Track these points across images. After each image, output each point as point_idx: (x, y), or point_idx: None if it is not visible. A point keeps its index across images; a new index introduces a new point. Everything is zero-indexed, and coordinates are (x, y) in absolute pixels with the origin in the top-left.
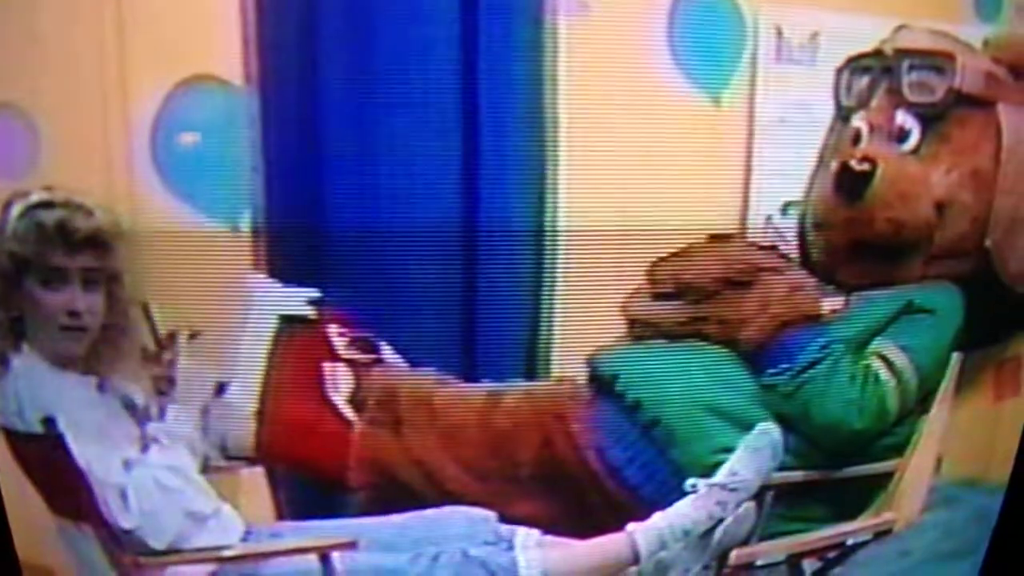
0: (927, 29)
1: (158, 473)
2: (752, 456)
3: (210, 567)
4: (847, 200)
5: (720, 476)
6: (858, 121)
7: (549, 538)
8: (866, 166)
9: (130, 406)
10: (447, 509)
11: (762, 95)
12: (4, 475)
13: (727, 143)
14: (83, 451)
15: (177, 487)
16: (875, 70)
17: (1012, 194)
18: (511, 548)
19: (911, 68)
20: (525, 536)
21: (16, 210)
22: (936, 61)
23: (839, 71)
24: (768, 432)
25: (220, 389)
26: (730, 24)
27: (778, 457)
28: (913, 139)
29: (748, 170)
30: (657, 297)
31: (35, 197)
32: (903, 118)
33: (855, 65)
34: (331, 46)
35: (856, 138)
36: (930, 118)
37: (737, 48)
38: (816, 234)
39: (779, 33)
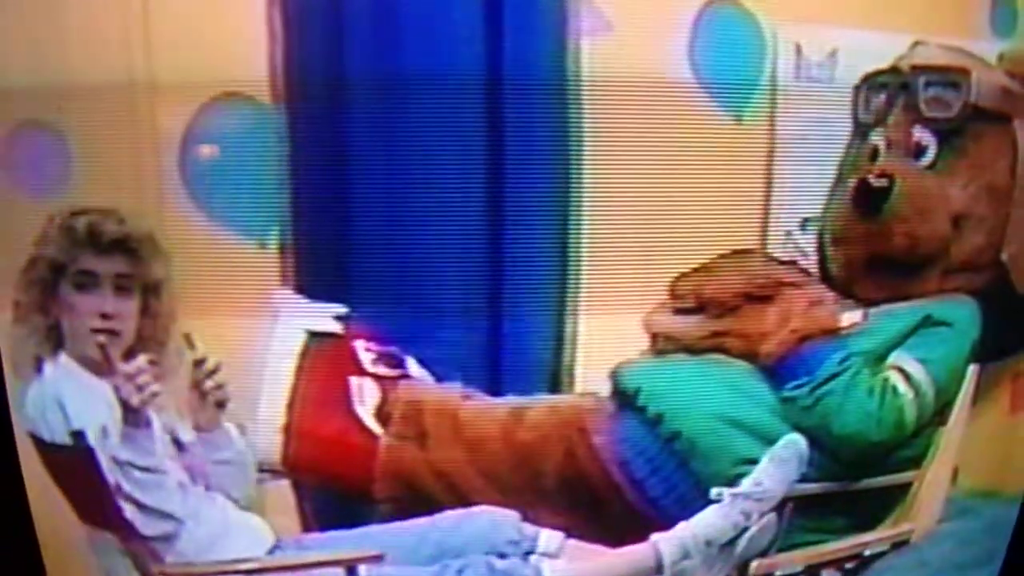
0: (942, 45)
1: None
2: (778, 467)
3: None
4: (865, 215)
5: (745, 486)
6: (876, 137)
7: (572, 542)
8: (884, 182)
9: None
10: (471, 509)
11: (782, 112)
12: (33, 485)
13: (748, 159)
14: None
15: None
16: (892, 87)
17: None
18: (534, 551)
19: (927, 84)
20: (549, 537)
21: (57, 219)
22: (952, 77)
23: (857, 88)
24: (794, 443)
25: None
26: (750, 42)
27: (802, 469)
28: (930, 154)
29: (768, 186)
30: (679, 312)
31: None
32: (920, 134)
33: (872, 82)
34: (358, 64)
35: (874, 154)
36: (946, 133)
37: (757, 66)
38: (835, 249)
39: (798, 51)
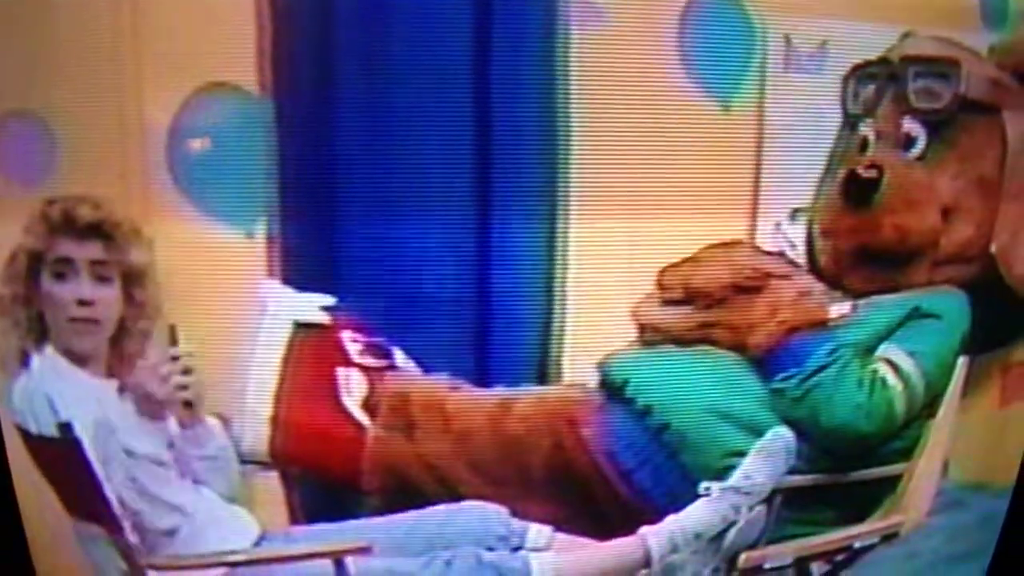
0: (933, 36)
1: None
2: (766, 460)
3: (222, 571)
4: (854, 207)
5: (734, 480)
6: (865, 129)
7: (561, 536)
8: (873, 173)
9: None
10: (459, 504)
11: (771, 102)
12: (20, 479)
13: (736, 150)
14: (99, 456)
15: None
16: (881, 78)
17: (1017, 199)
18: (523, 546)
19: (917, 75)
20: (537, 532)
21: (37, 208)
22: (942, 68)
23: (846, 79)
24: (782, 436)
25: None
26: (740, 32)
27: (791, 461)
28: (919, 146)
29: (757, 176)
30: (667, 303)
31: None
32: (909, 125)
33: (862, 73)
34: (346, 54)
35: (863, 145)
36: (936, 125)
37: (746, 56)
38: (823, 240)
39: (788, 41)
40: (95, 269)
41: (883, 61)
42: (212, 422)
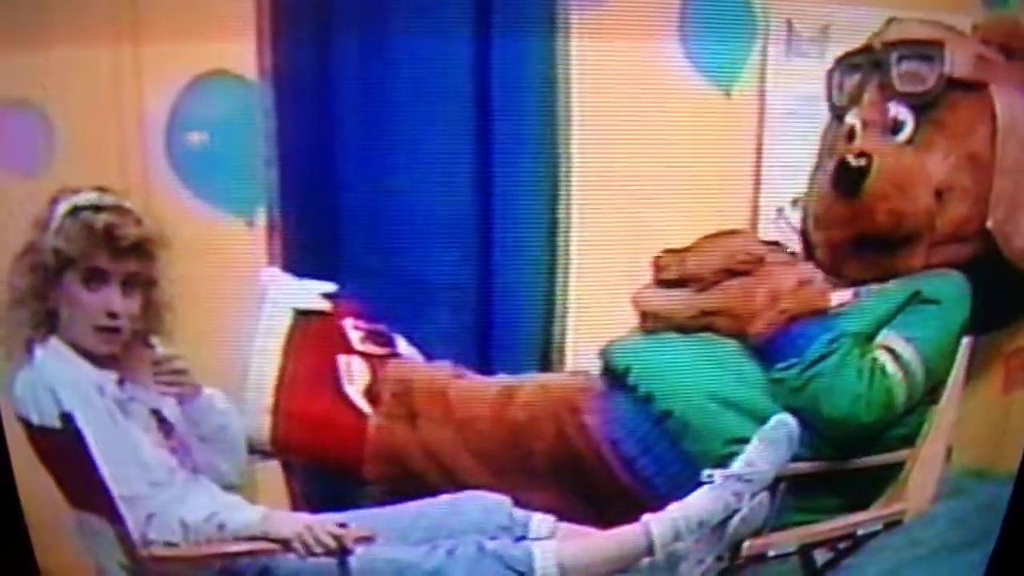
0: (915, 19)
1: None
2: (769, 447)
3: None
4: (846, 196)
5: (737, 467)
6: (851, 118)
7: (564, 525)
8: (862, 161)
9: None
10: (462, 494)
11: (772, 88)
12: (21, 469)
13: (738, 135)
14: (100, 450)
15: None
16: (864, 66)
17: (1010, 174)
18: (526, 536)
19: (900, 59)
20: (540, 522)
21: (63, 207)
22: (925, 50)
23: (830, 71)
24: (785, 423)
25: None
26: (741, 16)
27: (793, 448)
28: (907, 129)
29: (758, 162)
30: (663, 284)
31: (84, 198)
32: (896, 110)
33: (845, 63)
34: (344, 39)
35: (851, 135)
36: (923, 106)
37: (748, 40)
38: (818, 231)
39: (789, 26)
40: (126, 279)
41: (865, 49)
42: (212, 393)
